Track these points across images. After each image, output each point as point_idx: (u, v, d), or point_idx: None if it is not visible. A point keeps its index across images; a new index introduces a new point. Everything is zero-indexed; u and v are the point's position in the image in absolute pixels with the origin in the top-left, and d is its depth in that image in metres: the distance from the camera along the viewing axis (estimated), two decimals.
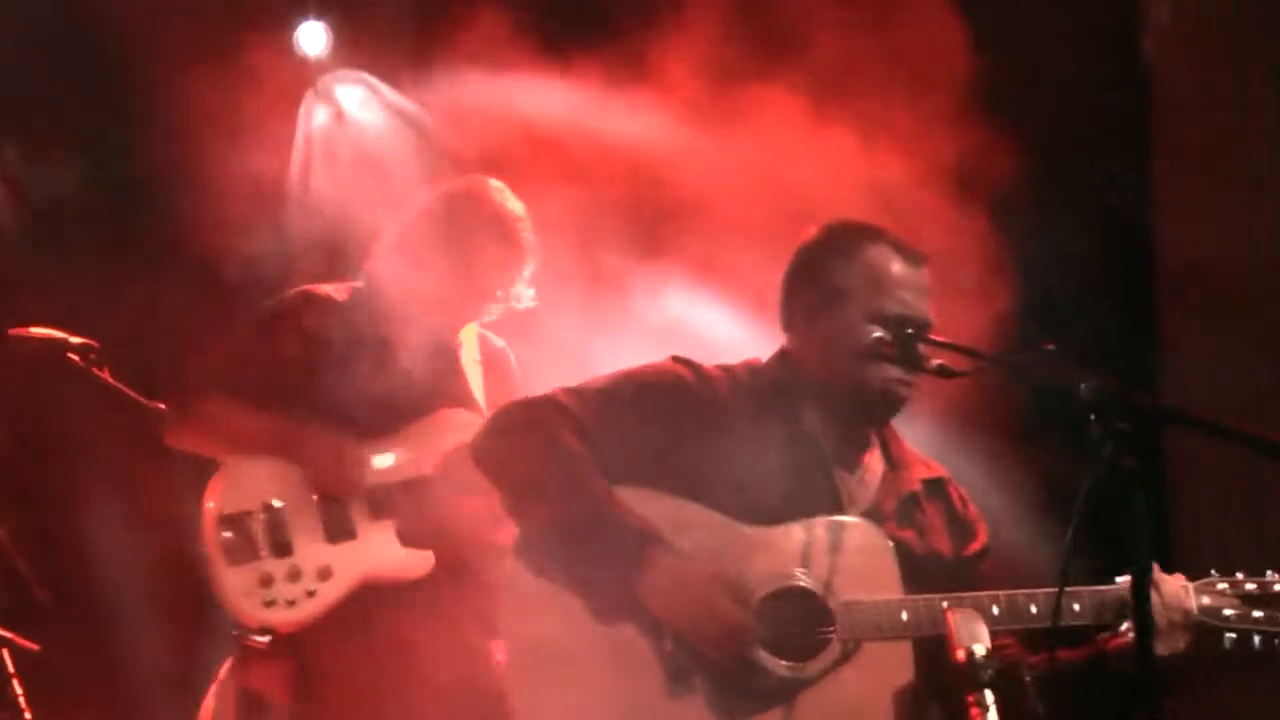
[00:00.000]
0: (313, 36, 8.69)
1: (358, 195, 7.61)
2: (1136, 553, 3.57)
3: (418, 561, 5.42)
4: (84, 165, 8.28)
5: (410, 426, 5.54)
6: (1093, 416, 3.63)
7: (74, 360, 6.70)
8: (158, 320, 7.93)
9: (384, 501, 5.47)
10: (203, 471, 5.83)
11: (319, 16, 8.72)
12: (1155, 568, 4.17)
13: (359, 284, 5.73)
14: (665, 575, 4.15)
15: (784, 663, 4.18)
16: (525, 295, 5.71)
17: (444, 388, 5.64)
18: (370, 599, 5.43)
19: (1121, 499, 3.58)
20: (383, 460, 5.52)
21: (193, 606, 7.57)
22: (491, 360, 5.81)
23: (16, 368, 7.25)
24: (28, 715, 7.66)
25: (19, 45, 8.10)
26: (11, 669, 7.71)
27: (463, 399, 5.65)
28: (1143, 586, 3.59)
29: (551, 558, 4.26)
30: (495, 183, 5.77)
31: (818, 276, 4.47)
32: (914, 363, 4.27)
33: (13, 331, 6.79)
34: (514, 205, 5.70)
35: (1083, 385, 3.67)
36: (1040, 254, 7.29)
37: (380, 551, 5.44)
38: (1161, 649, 4.12)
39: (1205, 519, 7.60)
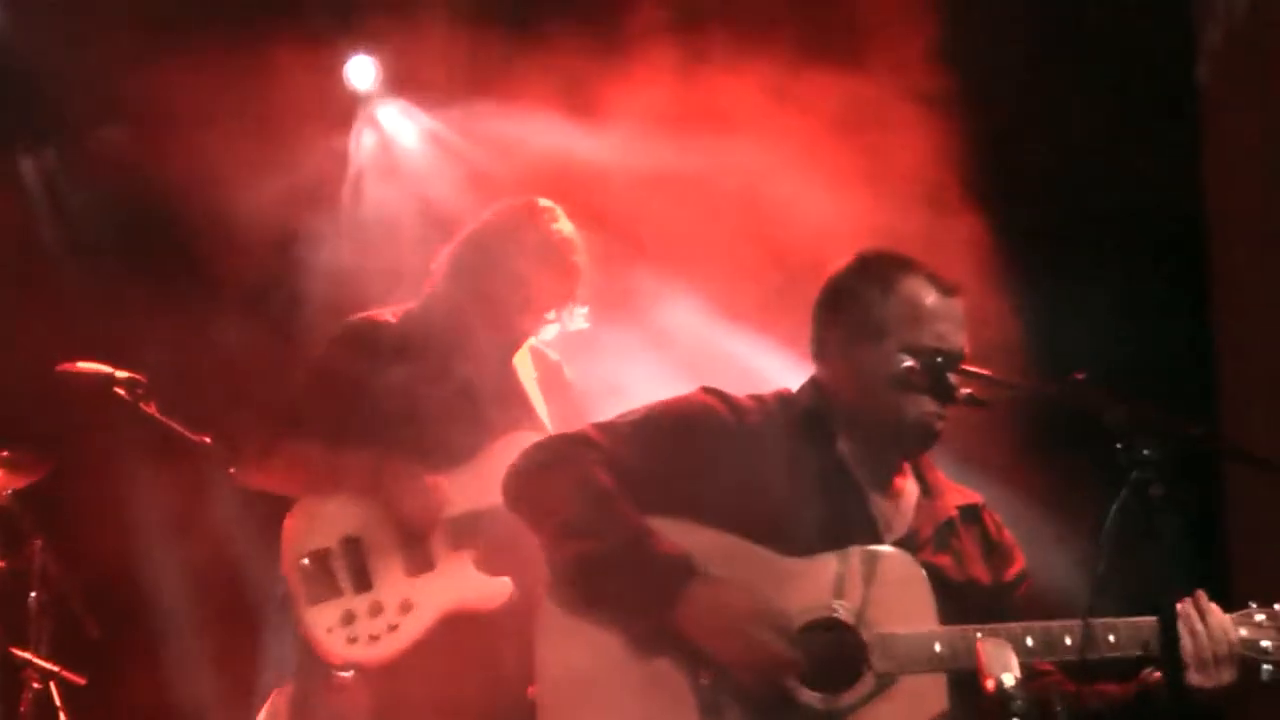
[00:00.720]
0: (362, 70, 8.73)
1: (404, 222, 7.63)
2: (1165, 583, 3.51)
3: (497, 590, 5.38)
4: (131, 199, 8.31)
5: (481, 453, 5.47)
6: (1119, 445, 3.58)
7: (121, 394, 6.73)
8: (205, 353, 7.96)
9: (461, 531, 5.41)
10: (255, 506, 5.81)
11: (368, 51, 8.75)
12: (1201, 596, 4.12)
13: (414, 308, 5.69)
14: (704, 605, 4.12)
15: (817, 695, 4.13)
16: (578, 316, 5.66)
17: (509, 410, 5.58)
18: (452, 629, 5.37)
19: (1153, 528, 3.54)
20: (458, 489, 5.45)
21: (240, 638, 7.62)
22: (547, 375, 5.77)
23: (66, 402, 7.30)
24: None
25: (77, 81, 8.19)
26: (59, 702, 7.77)
27: (528, 420, 5.60)
28: (1170, 619, 3.54)
29: (587, 593, 4.23)
30: (545, 203, 5.71)
31: (852, 308, 4.43)
32: (944, 392, 4.22)
33: (61, 366, 6.83)
34: (564, 226, 5.64)
35: (1108, 414, 3.63)
36: (1090, 279, 7.27)
37: (460, 582, 5.39)
38: (1206, 681, 4.08)
39: (1264, 549, 7.48)
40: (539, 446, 4.46)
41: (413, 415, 5.47)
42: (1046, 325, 6.87)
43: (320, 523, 5.53)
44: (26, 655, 7.82)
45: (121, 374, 6.78)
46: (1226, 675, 4.13)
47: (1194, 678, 4.06)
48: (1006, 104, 7.35)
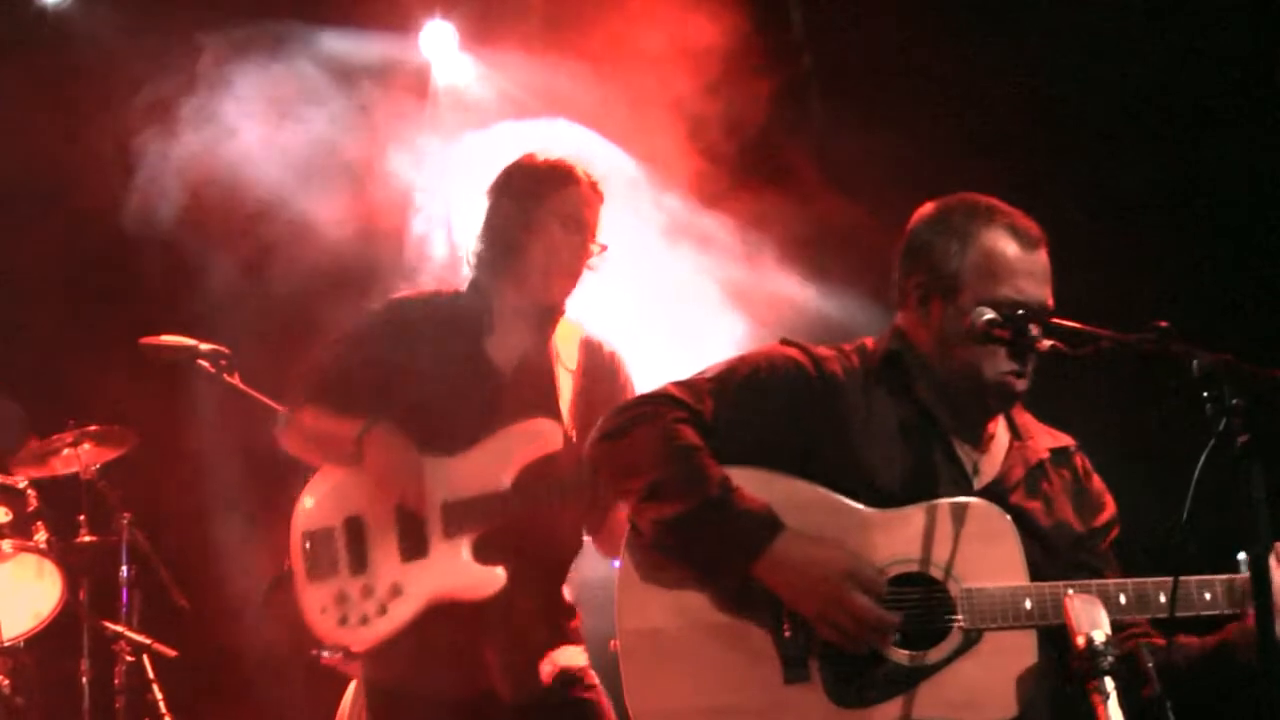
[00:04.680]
0: (438, 35, 8.74)
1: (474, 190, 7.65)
2: (1254, 533, 3.45)
3: (489, 579, 5.32)
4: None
5: (493, 438, 5.42)
6: (1206, 394, 3.53)
7: (204, 366, 6.75)
8: (292, 324, 8.01)
9: (458, 518, 5.37)
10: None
11: (445, 15, 8.76)
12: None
13: (460, 289, 5.64)
14: (791, 561, 4.08)
15: (905, 652, 4.09)
16: (598, 257, 5.58)
17: (533, 395, 5.51)
18: (442, 615, 5.35)
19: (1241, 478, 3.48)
20: (457, 475, 5.41)
21: None
22: (594, 365, 5.64)
23: (149, 376, 7.34)
24: (168, 719, 7.81)
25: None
26: (152, 674, 7.84)
27: (549, 408, 5.52)
28: (1261, 570, 3.48)
29: (674, 552, 4.20)
30: (539, 149, 5.67)
31: (931, 258, 4.32)
32: (1025, 345, 4.14)
33: (144, 340, 6.85)
34: (566, 154, 5.60)
35: (1195, 362, 3.57)
36: (1169, 231, 7.22)
37: (451, 569, 5.35)
38: None
39: None
40: (620, 410, 4.41)
41: (428, 397, 5.44)
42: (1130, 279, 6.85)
43: (328, 501, 5.55)
44: (119, 628, 7.90)
45: (205, 346, 6.79)
46: None
47: None
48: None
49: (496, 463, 5.37)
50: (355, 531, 5.45)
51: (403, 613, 5.35)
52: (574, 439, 5.43)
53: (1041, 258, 4.28)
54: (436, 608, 5.33)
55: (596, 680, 5.52)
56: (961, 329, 4.23)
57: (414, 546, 5.39)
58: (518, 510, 5.32)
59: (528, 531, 5.37)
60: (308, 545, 5.50)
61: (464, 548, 5.35)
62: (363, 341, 5.53)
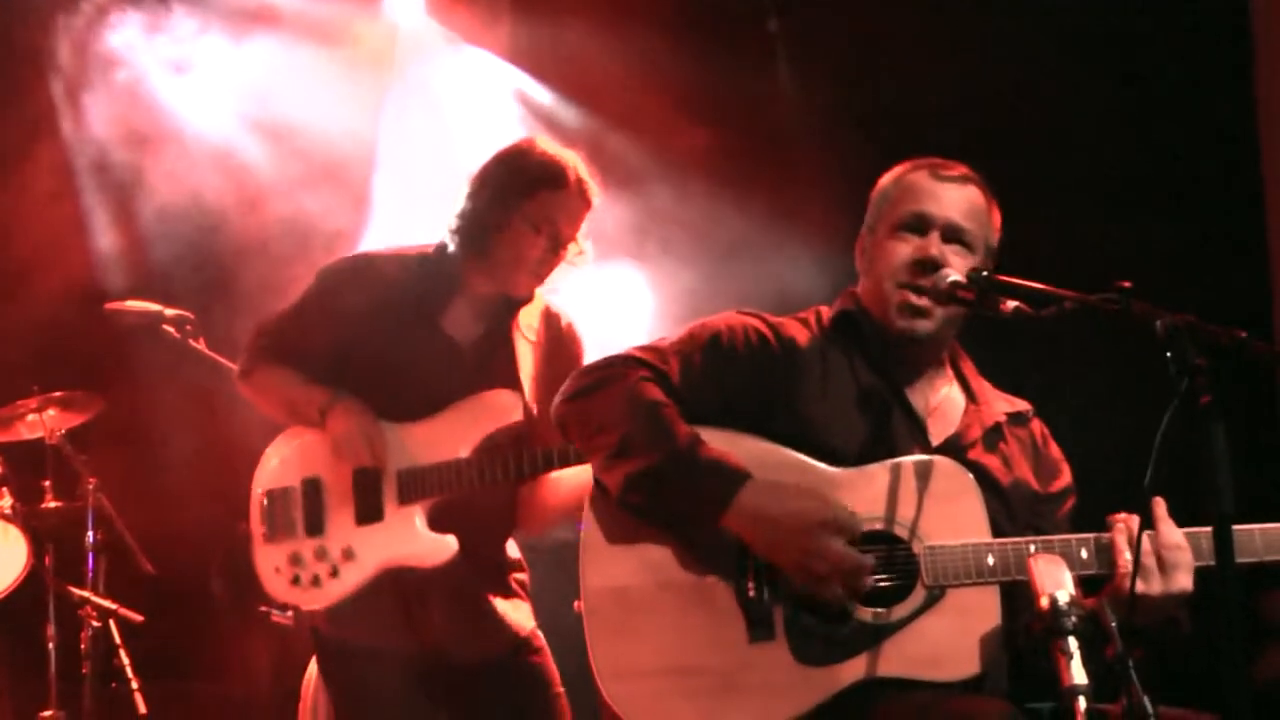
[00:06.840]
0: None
1: (443, 154, 7.64)
2: (1216, 495, 3.45)
3: (440, 548, 5.35)
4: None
5: (452, 408, 5.43)
6: (1169, 354, 3.54)
7: (169, 331, 6.75)
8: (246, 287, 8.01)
9: (413, 485, 5.40)
10: None
11: None
12: (1160, 503, 4.08)
13: (428, 250, 5.61)
14: (761, 510, 4.09)
15: (869, 609, 4.11)
16: (578, 258, 5.54)
17: (493, 367, 5.51)
18: (392, 580, 5.38)
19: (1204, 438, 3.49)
20: (414, 443, 5.44)
21: None
22: (554, 338, 5.64)
23: (115, 340, 7.34)
24: (135, 684, 7.81)
25: None
26: (118, 639, 7.83)
27: (510, 380, 5.52)
28: (1224, 529, 3.49)
29: (642, 509, 4.21)
30: (544, 139, 5.66)
31: (867, 215, 4.48)
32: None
33: (109, 305, 6.85)
34: (565, 153, 5.52)
35: (1158, 322, 3.59)
36: (1141, 183, 7.24)
37: (403, 536, 5.37)
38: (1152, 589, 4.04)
39: None
40: (585, 370, 4.45)
41: (384, 361, 5.46)
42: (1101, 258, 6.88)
43: (290, 461, 5.59)
44: (85, 593, 7.89)
45: (170, 311, 6.79)
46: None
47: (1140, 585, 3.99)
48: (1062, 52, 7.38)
49: (455, 433, 5.38)
50: (313, 492, 5.49)
51: (354, 576, 5.39)
52: (534, 411, 5.45)
53: (956, 188, 4.38)
54: (387, 572, 5.37)
55: (543, 643, 5.58)
56: (879, 261, 4.36)
57: (369, 511, 5.42)
58: (473, 481, 5.34)
59: (481, 501, 5.41)
60: (266, 504, 5.54)
61: (417, 515, 5.39)
62: (324, 300, 5.53)
